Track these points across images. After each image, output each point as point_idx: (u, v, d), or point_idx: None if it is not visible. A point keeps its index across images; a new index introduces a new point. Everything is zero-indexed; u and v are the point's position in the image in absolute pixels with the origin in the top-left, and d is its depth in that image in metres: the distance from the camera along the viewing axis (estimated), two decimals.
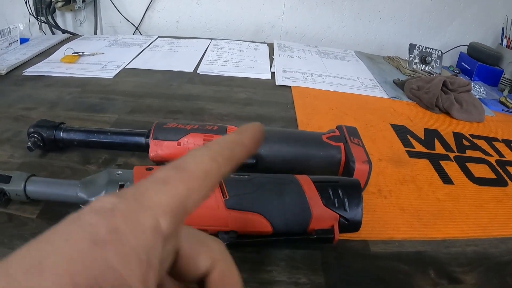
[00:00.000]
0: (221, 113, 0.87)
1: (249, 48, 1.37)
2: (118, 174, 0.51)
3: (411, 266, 0.51)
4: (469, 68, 1.42)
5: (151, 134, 0.61)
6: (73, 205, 0.50)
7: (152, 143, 0.61)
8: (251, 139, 0.28)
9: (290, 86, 1.05)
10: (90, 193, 0.49)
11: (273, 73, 1.14)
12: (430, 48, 1.28)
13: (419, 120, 0.93)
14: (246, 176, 0.51)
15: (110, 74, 1.05)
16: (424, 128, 0.89)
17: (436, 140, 0.84)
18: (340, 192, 0.49)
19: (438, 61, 1.28)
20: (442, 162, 0.76)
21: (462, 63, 1.48)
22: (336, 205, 0.49)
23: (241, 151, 0.27)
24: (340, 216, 0.49)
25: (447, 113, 0.97)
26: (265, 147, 0.61)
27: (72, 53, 1.16)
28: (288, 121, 0.86)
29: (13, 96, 0.90)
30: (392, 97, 1.04)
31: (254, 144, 0.28)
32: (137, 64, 1.15)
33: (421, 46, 1.27)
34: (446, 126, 0.91)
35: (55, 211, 0.54)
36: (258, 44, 1.44)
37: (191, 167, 0.22)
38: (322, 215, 0.48)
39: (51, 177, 0.55)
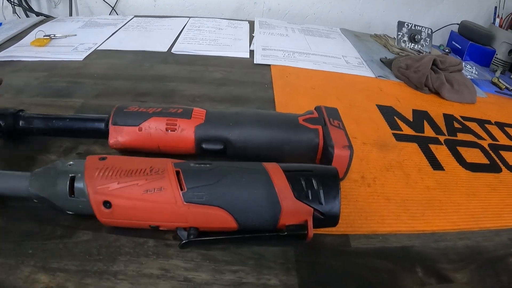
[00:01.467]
0: (193, 94, 0.83)
1: (228, 26, 1.32)
2: (70, 165, 0.46)
3: (396, 264, 0.47)
4: (460, 47, 1.38)
5: (111, 119, 0.56)
6: (25, 199, 0.47)
7: (112, 129, 0.56)
8: None
9: (269, 65, 1.00)
10: (40, 187, 0.45)
11: (252, 52, 1.09)
12: (420, 26, 1.25)
13: (407, 100, 0.88)
14: (208, 165, 0.46)
15: (80, 56, 1.00)
16: (413, 109, 0.84)
17: (425, 122, 0.80)
18: (314, 182, 0.44)
19: (428, 39, 1.25)
20: (432, 146, 0.71)
21: (453, 42, 1.44)
22: (310, 198, 0.44)
23: None
24: (315, 210, 0.44)
25: (437, 94, 0.93)
26: (235, 130, 0.56)
27: (44, 36, 1.11)
28: (266, 102, 0.82)
29: None
30: (378, 76, 1.00)
31: None
32: (110, 45, 1.10)
33: (410, 23, 1.24)
34: (436, 107, 0.87)
35: (7, 206, 0.51)
36: (239, 21, 1.40)
37: None
38: (293, 209, 0.43)
39: (9, 168, 0.51)
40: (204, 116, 0.56)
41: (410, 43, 1.23)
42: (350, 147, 0.53)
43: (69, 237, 0.47)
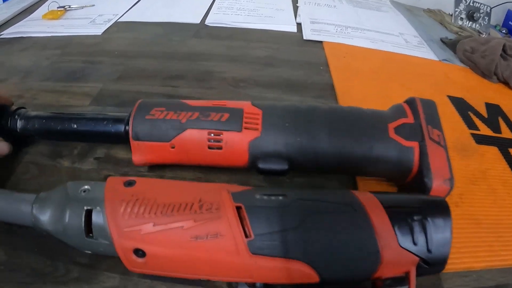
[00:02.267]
0: (234, 77, 0.71)
1: None
2: (84, 191, 0.35)
3: None
4: None
5: (130, 132, 0.43)
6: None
7: (134, 144, 0.44)
8: None
9: (321, 42, 0.87)
10: (46, 219, 0.35)
11: (299, 25, 0.96)
12: (478, 3, 1.11)
13: (477, 91, 0.76)
14: (281, 197, 0.34)
15: (99, 30, 0.89)
16: (485, 103, 0.71)
17: (500, 119, 0.67)
18: (424, 224, 0.32)
19: (486, 18, 1.11)
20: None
21: (510, 22, 1.30)
22: (417, 244, 0.32)
23: None
24: (421, 258, 0.32)
25: (506, 83, 0.80)
26: (305, 142, 0.42)
27: (57, 8, 1.01)
28: (324, 89, 0.69)
29: None
30: (443, 59, 0.87)
31: None
32: (133, 16, 0.99)
33: None
34: (508, 101, 0.74)
35: (12, 232, 0.41)
36: None
37: None
38: (395, 259, 0.32)
39: (12, 176, 0.47)
40: (260, 124, 0.42)
41: (467, 21, 1.11)
42: (451, 180, 0.40)
43: (89, 282, 0.37)
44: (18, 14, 1.00)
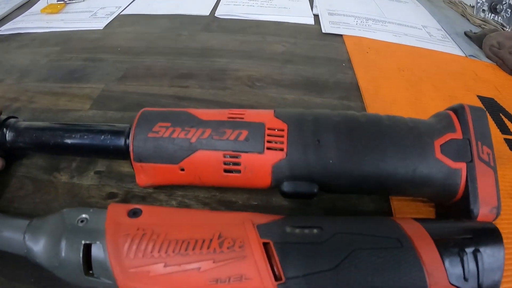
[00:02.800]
0: (250, 75, 0.66)
1: None
2: (82, 221, 0.31)
3: None
4: None
5: (131, 153, 0.38)
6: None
7: (137, 166, 0.38)
8: None
9: (341, 35, 0.82)
10: (39, 252, 0.31)
11: (316, 16, 0.91)
12: None
13: (508, 90, 0.70)
14: (316, 230, 0.29)
15: (101, 24, 0.86)
16: None
17: None
18: (476, 257, 0.28)
19: (509, 10, 1.05)
20: None
21: None
22: (467, 279, 0.28)
23: None
24: None
25: None
26: (336, 163, 0.36)
27: (57, 1, 0.98)
28: (348, 88, 0.64)
29: None
30: (470, 55, 0.82)
31: None
32: (137, 9, 0.95)
33: None
34: None
35: (6, 260, 0.37)
36: None
37: None
38: None
39: (6, 193, 0.44)
40: (285, 142, 0.36)
41: (490, 14, 1.06)
42: (499, 208, 0.34)
43: None
44: (16, 9, 0.98)
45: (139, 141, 0.37)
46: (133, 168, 0.38)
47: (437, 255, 0.27)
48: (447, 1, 1.18)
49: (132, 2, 0.98)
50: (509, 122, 0.61)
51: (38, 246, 0.31)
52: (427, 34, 0.89)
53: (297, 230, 0.28)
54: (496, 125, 0.59)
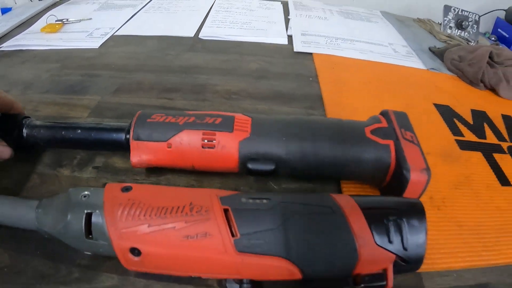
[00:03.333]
0: (228, 89, 0.74)
1: (260, 7, 1.22)
2: (85, 196, 0.38)
3: None
4: (507, 36, 1.32)
5: (131, 132, 0.46)
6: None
7: (134, 144, 0.47)
8: None
9: (311, 54, 0.91)
10: (49, 223, 0.38)
11: (290, 37, 0.99)
12: (467, 11, 1.14)
13: (465, 98, 0.79)
14: (265, 201, 0.36)
15: (96, 44, 0.92)
16: (471, 110, 0.74)
17: (485, 126, 0.70)
18: (399, 223, 0.35)
19: (475, 26, 1.15)
20: (496, 156, 0.62)
21: (498, 29, 1.37)
22: (393, 242, 0.35)
23: None
24: (397, 256, 0.35)
25: (493, 90, 0.83)
26: (290, 145, 0.45)
27: (55, 21, 1.04)
28: (313, 100, 0.72)
29: None
30: (431, 68, 0.90)
31: None
32: (129, 30, 1.01)
33: (457, 8, 1.14)
34: (494, 107, 0.77)
35: (17, 236, 0.44)
36: (271, 2, 1.30)
37: None
38: (373, 257, 0.35)
39: (17, 185, 0.49)
40: (249, 127, 0.46)
41: (456, 30, 1.14)
42: (428, 170, 0.43)
43: (89, 282, 0.39)
44: (17, 27, 1.03)
45: (140, 124, 0.46)
46: (130, 150, 0.47)
47: (364, 221, 0.35)
48: (416, 20, 1.25)
49: (124, 24, 1.04)
50: (462, 126, 0.68)
51: (48, 219, 0.37)
52: (393, 50, 0.97)
53: (250, 200, 0.36)
54: (449, 128, 0.67)
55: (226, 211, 0.35)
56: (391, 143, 0.45)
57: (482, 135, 0.67)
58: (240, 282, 0.35)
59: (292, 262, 0.34)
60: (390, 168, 0.45)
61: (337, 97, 0.72)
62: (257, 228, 0.34)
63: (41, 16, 1.08)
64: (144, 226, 0.34)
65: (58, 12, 1.10)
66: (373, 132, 0.46)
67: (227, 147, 0.45)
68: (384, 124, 0.47)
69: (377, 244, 0.34)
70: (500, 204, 0.53)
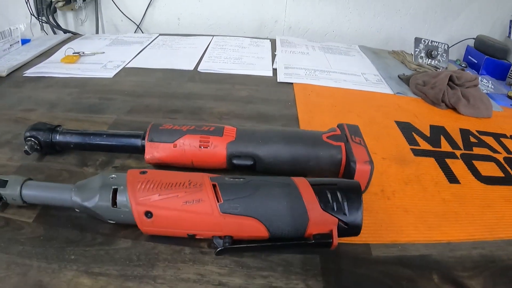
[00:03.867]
0: (221, 111, 0.86)
1: (251, 45, 1.36)
2: (112, 178, 0.50)
3: (415, 271, 0.49)
4: (476, 62, 1.39)
5: (147, 136, 0.60)
6: (68, 209, 0.52)
7: (148, 145, 0.60)
8: None
9: (292, 83, 1.03)
10: (84, 197, 0.49)
11: (275, 70, 1.12)
12: (436, 42, 1.25)
13: (425, 116, 0.91)
14: (242, 179, 0.50)
15: (110, 74, 1.04)
16: (430, 125, 0.86)
17: (442, 137, 0.82)
18: (339, 195, 0.48)
19: (445, 55, 1.25)
20: (448, 161, 0.73)
21: (469, 56, 1.45)
22: (335, 209, 0.47)
23: None
24: (339, 220, 0.47)
25: (454, 109, 0.95)
26: (263, 147, 0.59)
27: (73, 53, 1.16)
28: (290, 119, 0.85)
29: (13, 97, 0.90)
30: (397, 92, 1.02)
31: None
32: (138, 63, 1.14)
33: (427, 39, 1.25)
34: (453, 122, 0.89)
35: (50, 214, 0.55)
36: (261, 40, 1.43)
37: None
38: (320, 219, 0.47)
39: (48, 180, 0.58)
40: (234, 133, 0.60)
41: (427, 59, 1.24)
42: (371, 162, 0.56)
43: (109, 244, 0.50)
44: (37, 57, 1.15)
45: (153, 130, 0.61)
46: (143, 150, 0.61)
47: (312, 192, 0.47)
48: (391, 52, 1.37)
49: (133, 58, 1.17)
50: (419, 138, 0.80)
51: (82, 195, 0.49)
52: (364, 79, 1.09)
53: (231, 179, 0.49)
54: (406, 139, 0.79)
55: (214, 186, 0.48)
56: (342, 144, 0.59)
57: (437, 145, 0.79)
58: (223, 238, 0.48)
59: (261, 222, 0.46)
60: (342, 163, 0.59)
61: (309, 117, 0.85)
62: (235, 196, 0.47)
63: (59, 49, 1.21)
64: (155, 195, 0.47)
65: (74, 45, 1.23)
66: (328, 137, 0.60)
67: (218, 147, 0.59)
68: (338, 132, 0.62)
69: (322, 209, 0.47)
70: (446, 197, 0.63)
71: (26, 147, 0.63)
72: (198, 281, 0.46)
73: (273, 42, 1.40)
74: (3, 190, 0.51)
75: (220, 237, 0.48)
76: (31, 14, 1.60)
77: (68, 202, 0.50)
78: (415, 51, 1.25)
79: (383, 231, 0.55)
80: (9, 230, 0.52)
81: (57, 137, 0.64)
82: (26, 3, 1.58)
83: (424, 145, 0.78)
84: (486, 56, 1.34)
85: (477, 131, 0.86)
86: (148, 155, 0.61)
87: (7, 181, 0.52)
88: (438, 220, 0.58)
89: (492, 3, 1.56)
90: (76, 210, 0.51)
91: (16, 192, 0.51)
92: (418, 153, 0.75)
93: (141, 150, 0.62)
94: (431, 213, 0.60)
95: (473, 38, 1.47)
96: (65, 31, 1.56)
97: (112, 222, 0.50)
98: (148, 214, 0.47)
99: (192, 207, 0.46)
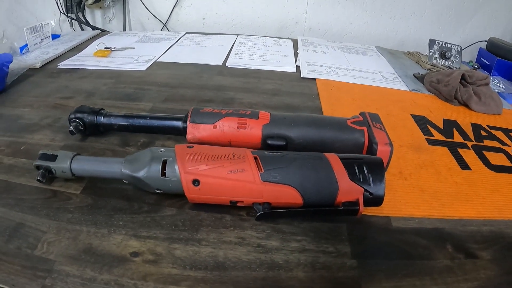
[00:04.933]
0: (250, 102, 0.91)
1: (274, 44, 1.40)
2: (161, 151, 0.55)
3: (430, 241, 0.54)
4: (488, 63, 1.42)
5: (189, 118, 0.66)
6: (116, 181, 0.57)
7: (190, 126, 0.66)
8: None
9: (314, 79, 1.08)
10: (134, 168, 0.54)
11: (298, 67, 1.17)
12: (450, 44, 1.28)
13: (439, 111, 0.95)
14: (279, 153, 0.55)
15: (143, 67, 1.09)
16: (443, 119, 0.90)
17: (454, 130, 0.86)
18: (364, 168, 0.53)
19: (458, 56, 1.28)
20: (460, 150, 0.78)
21: (481, 58, 1.48)
22: (361, 180, 0.52)
23: None
24: (365, 190, 0.52)
25: (466, 106, 0.98)
26: (294, 129, 0.65)
27: (104, 48, 1.22)
28: (314, 111, 0.89)
29: (50, 87, 0.96)
30: (412, 89, 1.06)
31: None
32: (168, 58, 1.20)
33: (440, 41, 1.28)
34: (465, 118, 0.92)
35: (97, 187, 0.60)
36: (283, 39, 1.47)
37: None
38: (348, 188, 0.52)
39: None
40: (269, 117, 0.66)
41: (441, 60, 1.27)
42: (391, 144, 0.62)
43: (156, 212, 0.55)
44: (68, 51, 1.22)
45: (194, 113, 0.66)
46: (184, 132, 0.66)
47: (341, 164, 0.53)
48: (406, 53, 1.41)
49: (164, 53, 1.22)
50: (433, 129, 0.85)
51: (133, 166, 0.54)
52: (382, 77, 1.13)
53: (270, 153, 0.55)
54: (421, 130, 0.84)
55: (255, 158, 0.53)
56: (365, 129, 0.65)
57: (450, 136, 0.83)
58: (262, 204, 0.53)
59: (296, 190, 0.52)
60: (364, 145, 0.64)
61: (332, 109, 0.90)
62: (275, 166, 0.52)
63: (89, 44, 1.28)
64: (203, 165, 0.52)
65: (105, 41, 1.29)
66: (352, 122, 0.66)
67: (254, 128, 0.65)
68: (360, 119, 0.68)
69: (350, 180, 0.52)
70: (458, 180, 0.68)
71: (71, 127, 0.68)
72: (239, 243, 0.51)
73: (295, 42, 1.44)
74: (53, 164, 0.56)
75: (260, 204, 0.53)
76: (60, 11, 1.67)
77: (117, 174, 0.55)
78: (429, 52, 1.28)
79: (402, 206, 0.60)
80: (57, 201, 0.57)
81: (102, 119, 0.70)
82: (56, 1, 1.65)
83: (437, 136, 0.82)
84: (498, 58, 1.37)
85: (487, 126, 0.90)
86: (189, 135, 0.66)
87: (56, 155, 0.57)
88: (451, 199, 0.63)
89: (504, 6, 1.60)
90: (125, 181, 0.56)
91: (66, 165, 0.56)
92: (432, 142, 0.80)
93: (182, 131, 0.67)
94: (445, 193, 0.64)
95: (486, 41, 1.50)
96: (93, 28, 1.63)
97: (159, 191, 0.55)
98: (196, 182, 0.52)
99: (236, 176, 0.52)
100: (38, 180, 0.56)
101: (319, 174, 0.53)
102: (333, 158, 0.54)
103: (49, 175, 0.57)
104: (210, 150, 0.55)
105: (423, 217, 0.59)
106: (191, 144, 0.57)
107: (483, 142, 0.82)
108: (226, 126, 0.65)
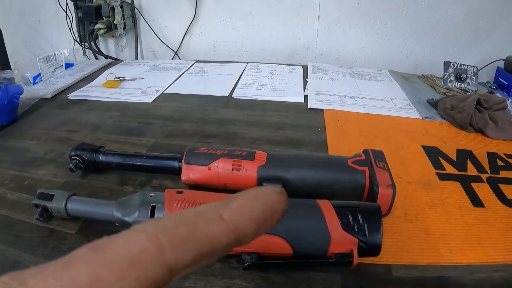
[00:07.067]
0: (253, 137, 0.90)
1: (284, 71, 1.39)
2: (151, 196, 0.54)
3: None
4: (506, 83, 1.37)
5: (183, 159, 0.65)
6: (109, 223, 0.55)
7: (184, 167, 0.65)
8: (250, 218, 0.19)
9: (322, 109, 1.06)
10: (124, 213, 0.53)
11: (306, 96, 1.15)
12: (465, 65, 1.24)
13: (452, 140, 0.91)
14: None
15: (149, 99, 1.10)
16: (457, 149, 0.87)
17: (468, 161, 0.82)
18: (359, 217, 0.50)
19: (474, 77, 1.24)
20: (474, 184, 0.74)
21: (499, 78, 1.43)
22: (356, 230, 0.50)
23: (218, 232, 0.18)
24: (360, 240, 0.50)
25: (482, 132, 0.94)
26: (291, 171, 0.63)
27: (114, 78, 1.23)
28: (319, 145, 0.86)
29: (58, 118, 0.97)
30: (425, 117, 1.02)
31: (257, 226, 0.19)
32: (175, 89, 1.19)
33: (456, 63, 1.24)
34: (480, 146, 0.89)
35: (92, 227, 0.60)
36: (293, 67, 1.45)
37: (112, 249, 0.16)
38: (341, 239, 0.49)
39: (91, 196, 0.61)
40: (265, 158, 0.64)
41: (456, 82, 1.23)
42: (393, 186, 0.59)
43: None
44: (80, 81, 1.24)
45: (190, 154, 0.65)
46: (180, 171, 0.65)
47: (334, 213, 0.50)
48: (421, 76, 1.36)
49: (171, 84, 1.22)
50: (445, 162, 0.81)
51: (123, 210, 0.53)
52: (393, 104, 1.10)
53: None
54: (432, 164, 0.80)
55: None
56: (366, 169, 0.62)
57: (463, 168, 0.79)
58: (251, 254, 0.51)
59: (286, 240, 0.50)
60: (365, 187, 0.62)
61: (338, 142, 0.87)
62: None
63: (101, 73, 1.29)
64: None
65: (115, 71, 1.31)
66: (353, 162, 0.63)
67: (249, 171, 0.63)
68: (363, 157, 0.65)
69: (343, 229, 0.49)
70: (469, 220, 0.63)
71: (71, 165, 0.69)
72: None
73: (305, 69, 1.42)
74: (50, 203, 0.57)
75: (248, 253, 0.51)
76: (74, 40, 1.71)
77: (109, 216, 0.54)
78: (444, 75, 1.24)
79: (404, 253, 0.56)
80: (53, 240, 0.57)
81: (100, 157, 0.70)
82: (70, 30, 1.68)
83: (450, 169, 0.79)
84: None
85: (504, 154, 0.86)
86: (184, 176, 0.65)
87: (53, 195, 0.57)
88: (460, 243, 0.58)
89: None
90: (117, 224, 0.55)
91: (62, 205, 0.56)
92: (444, 177, 0.76)
93: (177, 171, 0.66)
94: (453, 236, 0.60)
95: (503, 59, 1.45)
96: (106, 57, 1.65)
97: None
98: None
99: None
100: (37, 219, 0.57)
101: (310, 224, 0.50)
102: (326, 206, 0.52)
103: (46, 214, 0.58)
104: (200, 196, 0.53)
105: (427, 265, 0.54)
106: (181, 190, 0.55)
107: (499, 174, 0.78)
108: (220, 168, 0.64)
